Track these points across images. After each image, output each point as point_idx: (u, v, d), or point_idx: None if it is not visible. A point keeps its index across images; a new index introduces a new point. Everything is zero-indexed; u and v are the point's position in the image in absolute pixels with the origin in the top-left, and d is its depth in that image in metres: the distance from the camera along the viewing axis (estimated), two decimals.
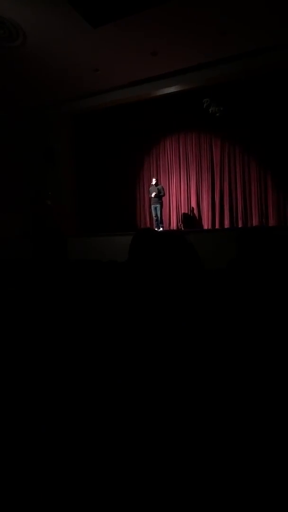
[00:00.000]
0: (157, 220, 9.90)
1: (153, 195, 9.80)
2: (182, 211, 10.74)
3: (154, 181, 9.97)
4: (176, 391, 1.32)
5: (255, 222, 9.65)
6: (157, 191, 9.76)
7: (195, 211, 10.53)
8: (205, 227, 10.32)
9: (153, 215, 10.01)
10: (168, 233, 1.94)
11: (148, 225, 10.96)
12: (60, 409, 1.40)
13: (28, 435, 1.34)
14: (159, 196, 9.79)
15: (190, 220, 10.58)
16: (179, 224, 10.78)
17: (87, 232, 10.69)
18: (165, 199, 10.34)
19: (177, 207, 10.82)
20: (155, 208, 9.86)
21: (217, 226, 10.12)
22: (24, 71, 8.53)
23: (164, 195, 10.04)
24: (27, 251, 2.12)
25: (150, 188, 10.07)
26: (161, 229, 9.78)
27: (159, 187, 9.88)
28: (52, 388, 1.46)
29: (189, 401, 1.29)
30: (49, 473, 1.25)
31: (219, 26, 6.99)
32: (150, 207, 10.28)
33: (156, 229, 9.70)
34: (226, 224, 10.03)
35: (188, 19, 6.75)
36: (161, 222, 9.94)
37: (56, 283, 1.84)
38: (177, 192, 10.80)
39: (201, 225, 10.42)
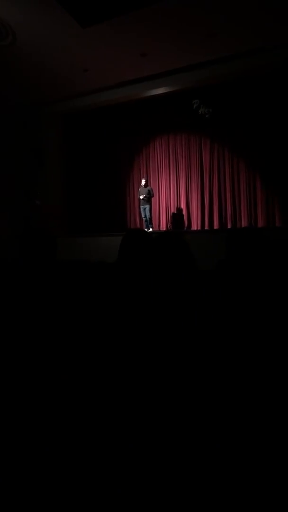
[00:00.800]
0: (146, 221, 9.91)
1: (142, 196, 9.81)
2: (172, 212, 10.76)
3: (143, 182, 9.98)
4: (168, 392, 1.32)
5: (244, 223, 9.71)
6: (146, 192, 9.78)
7: (185, 212, 10.56)
8: (195, 228, 10.35)
9: (143, 216, 10.02)
10: (164, 233, 1.93)
11: (138, 225, 10.96)
12: (50, 411, 1.39)
13: (24, 439, 1.34)
14: (149, 197, 9.80)
15: (179, 221, 10.60)
16: (168, 225, 10.79)
17: (77, 233, 10.66)
18: (154, 200, 10.36)
19: (166, 208, 10.83)
20: (144, 209, 9.87)
21: (206, 227, 10.16)
22: (13, 71, 8.48)
23: (153, 196, 10.07)
24: (17, 251, 2.10)
25: (139, 189, 10.08)
26: (150, 229, 9.79)
27: (148, 188, 9.90)
28: (41, 390, 1.45)
29: (183, 401, 1.29)
30: (49, 473, 1.25)
31: (209, 28, 7.02)
32: (139, 208, 10.28)
33: (145, 229, 9.71)
34: (216, 225, 10.07)
35: (178, 21, 6.77)
36: (151, 223, 9.95)
37: (45, 284, 1.83)
38: (167, 193, 10.82)
39: (190, 226, 10.45)
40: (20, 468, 1.29)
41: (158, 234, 1.93)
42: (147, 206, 9.82)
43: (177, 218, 10.65)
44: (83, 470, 1.23)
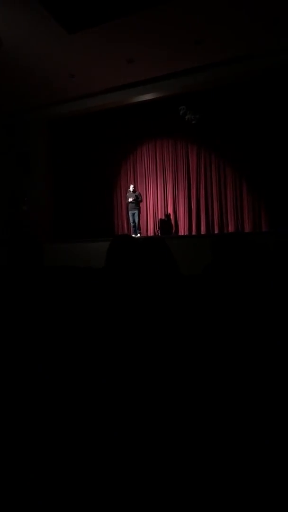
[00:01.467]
0: (134, 226, 9.92)
1: (130, 199, 9.83)
2: (159, 217, 10.79)
3: (131, 188, 10.00)
4: (155, 398, 1.32)
5: (231, 228, 9.78)
6: (134, 197, 9.80)
7: (172, 217, 10.60)
8: (182, 233, 10.39)
9: (131, 221, 10.03)
10: (148, 239, 1.94)
11: (126, 231, 10.97)
12: (42, 419, 1.38)
13: (22, 445, 1.34)
14: (137, 202, 9.82)
15: (167, 226, 10.63)
16: (156, 230, 10.82)
17: (64, 238, 10.62)
18: (142, 205, 10.37)
19: (154, 213, 10.86)
20: (133, 214, 9.89)
21: (193, 232, 10.21)
22: None
23: (141, 201, 10.09)
24: (3, 257, 2.08)
25: (127, 194, 10.10)
26: (138, 235, 9.80)
27: (136, 193, 9.92)
28: (27, 398, 1.44)
29: (170, 407, 1.30)
30: (50, 473, 1.25)
31: (195, 35, 7.10)
32: (127, 213, 10.29)
33: (133, 235, 9.72)
34: (203, 230, 10.12)
35: (165, 28, 6.83)
36: (139, 228, 9.96)
37: (31, 290, 1.82)
38: (154, 198, 10.85)
39: (178, 231, 10.49)
40: (20, 469, 1.30)
41: (142, 240, 1.93)
42: (136, 212, 9.83)
43: (164, 223, 10.69)
44: (83, 471, 1.24)
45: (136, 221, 9.87)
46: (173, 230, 10.52)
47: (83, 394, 1.39)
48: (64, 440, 1.31)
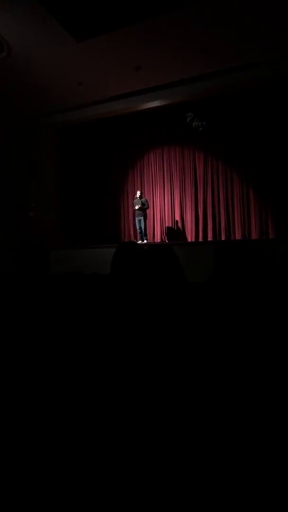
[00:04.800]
0: (141, 232, 9.94)
1: (137, 207, 9.86)
2: (166, 224, 10.81)
3: (138, 194, 10.03)
4: (160, 405, 1.32)
5: (238, 235, 9.76)
6: (141, 203, 9.82)
7: (179, 224, 10.61)
8: (189, 239, 10.39)
9: (137, 227, 10.05)
10: (154, 246, 1.95)
11: (132, 237, 10.99)
12: (43, 424, 1.39)
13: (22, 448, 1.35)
14: (143, 208, 9.85)
15: (174, 232, 10.64)
16: (163, 237, 10.83)
17: (70, 245, 10.65)
18: (149, 212, 10.40)
19: (161, 220, 10.87)
20: (139, 221, 9.91)
21: (200, 239, 10.20)
22: (8, 84, 8.55)
23: (148, 207, 10.11)
24: (12, 264, 2.10)
25: (134, 201, 10.13)
26: (145, 241, 9.81)
27: (143, 199, 9.94)
28: (33, 403, 1.45)
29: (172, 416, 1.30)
30: (50, 474, 1.27)
31: (202, 43, 7.14)
32: (134, 220, 10.31)
33: (140, 241, 9.73)
34: (210, 236, 10.11)
35: (172, 35, 6.89)
36: (145, 234, 9.97)
37: (38, 297, 1.83)
38: (161, 205, 10.87)
39: (185, 238, 10.49)
40: (20, 469, 1.31)
41: (148, 247, 1.94)
42: (142, 218, 9.85)
43: (171, 230, 10.70)
44: (83, 471, 1.25)
45: (143, 227, 9.88)
46: (180, 237, 10.52)
47: (88, 400, 1.39)
48: (66, 444, 1.32)
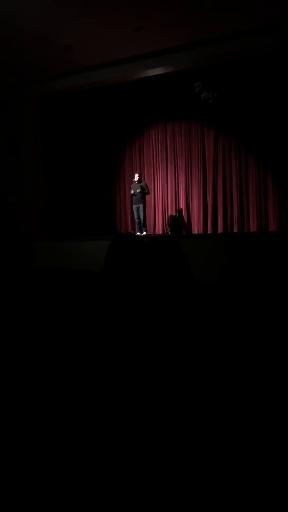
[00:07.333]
0: (139, 222, 9.93)
1: (133, 192, 9.82)
2: (169, 213, 10.81)
3: (136, 177, 10.01)
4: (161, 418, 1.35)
5: (253, 226, 9.76)
6: (140, 188, 9.80)
7: (184, 213, 10.61)
8: (195, 231, 10.40)
9: (135, 216, 10.05)
10: (156, 238, 1.95)
11: (130, 228, 11.00)
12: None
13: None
14: (143, 194, 9.83)
15: (178, 223, 10.65)
16: (165, 228, 10.83)
17: (57, 236, 10.64)
18: (149, 199, 10.39)
19: (163, 208, 10.88)
20: (138, 209, 9.89)
21: (209, 231, 10.21)
22: None
23: (148, 193, 10.09)
24: None
25: (132, 186, 10.11)
26: (144, 233, 9.81)
27: (142, 184, 9.93)
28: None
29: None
30: (49, 474, 1.35)
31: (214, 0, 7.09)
32: (131, 208, 10.31)
33: (138, 233, 9.73)
34: (220, 228, 10.12)
35: None
36: (144, 225, 9.97)
37: (18, 297, 1.82)
38: (164, 190, 10.87)
39: (190, 230, 10.50)
40: (20, 469, 1.39)
41: (149, 239, 1.93)
42: (141, 205, 9.83)
43: (175, 220, 10.70)
44: (82, 471, 1.33)
45: (142, 216, 9.87)
46: (185, 228, 10.53)
47: (74, 412, 1.43)
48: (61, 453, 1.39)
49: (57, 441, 1.40)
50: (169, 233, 10.68)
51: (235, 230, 9.93)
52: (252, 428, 1.30)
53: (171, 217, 10.77)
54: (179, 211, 10.68)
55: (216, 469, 1.26)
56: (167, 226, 10.81)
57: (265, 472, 1.24)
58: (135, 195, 9.84)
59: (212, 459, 1.28)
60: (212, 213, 10.25)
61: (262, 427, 1.29)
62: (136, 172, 10.46)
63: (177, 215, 10.70)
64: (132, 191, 9.97)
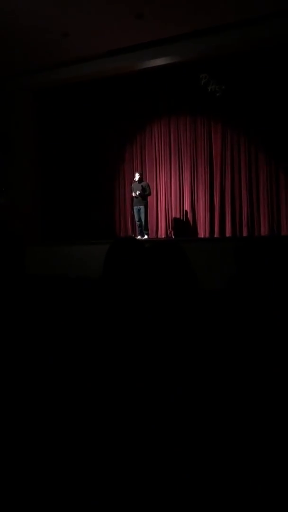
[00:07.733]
0: (140, 225, 9.93)
1: (135, 193, 9.82)
2: (173, 215, 10.81)
3: (137, 177, 10.00)
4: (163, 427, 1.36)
5: (264, 229, 9.76)
6: (141, 189, 9.80)
7: (189, 215, 10.61)
8: (201, 235, 10.40)
9: (136, 219, 10.04)
10: (159, 243, 1.97)
11: (130, 231, 11.00)
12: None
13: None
14: (144, 195, 9.82)
15: (182, 226, 10.65)
16: (168, 231, 10.84)
17: (52, 240, 10.66)
18: (151, 199, 10.38)
19: (166, 210, 10.88)
20: (139, 210, 9.88)
21: (216, 235, 10.20)
22: None
23: (150, 194, 10.08)
24: None
25: (132, 186, 10.11)
26: (146, 237, 9.81)
27: (143, 184, 9.92)
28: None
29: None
30: (49, 474, 1.37)
31: None
32: (132, 209, 10.31)
33: (139, 236, 9.73)
34: (228, 232, 10.12)
35: None
36: (146, 228, 9.97)
37: (9, 306, 1.82)
38: (167, 190, 10.88)
39: (196, 233, 10.50)
40: (20, 469, 1.41)
41: (151, 244, 1.93)
42: (142, 207, 9.83)
43: (179, 222, 10.70)
44: (82, 471, 1.35)
45: (143, 219, 9.87)
46: (191, 232, 10.53)
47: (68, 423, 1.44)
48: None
49: (55, 448, 1.42)
50: (173, 236, 10.68)
51: (245, 233, 9.93)
52: (254, 432, 1.31)
53: (175, 219, 10.77)
54: (184, 213, 10.69)
55: (216, 469, 1.28)
56: (170, 229, 10.82)
57: (265, 472, 1.27)
58: (137, 197, 9.81)
59: (213, 460, 1.30)
60: (219, 215, 10.24)
61: (264, 433, 1.31)
62: (137, 171, 10.45)
63: (181, 217, 10.71)
64: (133, 194, 9.93)
